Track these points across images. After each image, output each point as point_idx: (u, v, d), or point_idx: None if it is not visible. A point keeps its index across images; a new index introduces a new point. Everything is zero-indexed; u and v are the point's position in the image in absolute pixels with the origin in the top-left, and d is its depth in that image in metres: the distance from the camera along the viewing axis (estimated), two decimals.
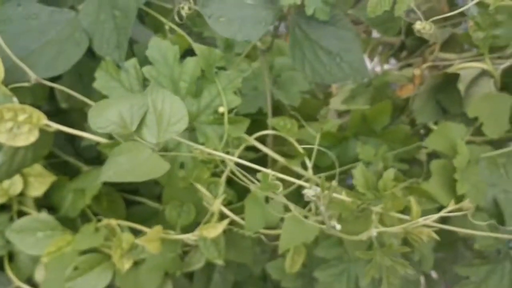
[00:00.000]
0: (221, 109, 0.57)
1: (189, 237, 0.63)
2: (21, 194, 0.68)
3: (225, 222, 0.60)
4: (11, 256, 0.69)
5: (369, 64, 0.99)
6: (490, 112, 0.61)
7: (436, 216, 0.44)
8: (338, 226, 0.45)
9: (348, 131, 0.69)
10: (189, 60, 0.57)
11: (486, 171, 0.62)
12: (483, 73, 0.67)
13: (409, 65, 0.93)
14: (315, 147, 0.66)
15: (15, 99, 0.53)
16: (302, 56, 0.59)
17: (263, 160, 0.72)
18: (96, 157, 0.75)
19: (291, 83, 0.77)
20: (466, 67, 0.65)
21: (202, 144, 0.57)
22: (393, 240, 0.53)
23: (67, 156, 0.73)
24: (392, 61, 1.02)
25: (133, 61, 0.56)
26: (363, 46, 0.93)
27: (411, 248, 0.46)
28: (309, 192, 0.40)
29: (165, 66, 0.57)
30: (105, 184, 0.69)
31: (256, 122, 0.76)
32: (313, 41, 0.60)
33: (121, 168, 0.44)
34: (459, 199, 0.56)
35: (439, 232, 0.55)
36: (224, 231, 0.67)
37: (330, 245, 0.63)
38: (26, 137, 0.53)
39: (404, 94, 0.80)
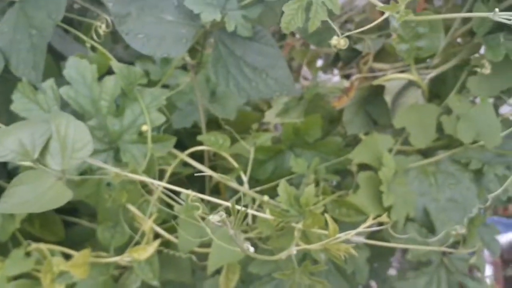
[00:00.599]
0: (145, 128, 0.56)
1: (120, 260, 0.61)
2: None
3: (156, 243, 0.58)
4: None
5: (308, 75, 0.99)
6: (416, 122, 0.61)
7: (354, 231, 0.44)
8: (252, 249, 0.43)
9: (283, 144, 0.69)
10: (108, 79, 0.55)
11: (416, 181, 0.62)
12: (411, 83, 0.67)
13: (347, 76, 0.94)
14: (250, 160, 0.66)
15: None
16: (226, 72, 0.58)
17: (202, 177, 0.71)
18: None
19: (227, 97, 0.76)
20: (392, 78, 0.65)
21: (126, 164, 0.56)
22: (320, 256, 0.52)
23: None
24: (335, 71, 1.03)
25: (50, 82, 0.54)
26: (301, 56, 0.93)
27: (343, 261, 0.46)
28: (215, 218, 0.38)
29: (84, 86, 0.55)
30: None
31: (194, 135, 0.75)
32: (238, 57, 0.59)
33: (21, 199, 0.41)
34: (387, 210, 0.56)
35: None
36: (160, 251, 0.66)
37: (263, 262, 0.62)
38: None
39: (341, 105, 0.80)
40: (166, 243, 0.67)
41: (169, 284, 0.72)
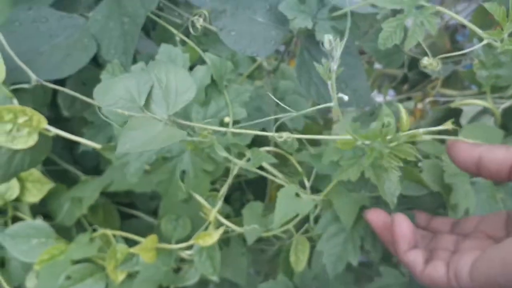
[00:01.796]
0: (227, 119, 0.56)
1: (184, 248, 0.62)
2: (17, 200, 0.65)
3: (221, 230, 0.58)
4: (3, 262, 0.66)
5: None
6: (482, 138, 0.60)
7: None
8: None
9: None
10: (199, 68, 0.56)
11: (486, 204, 0.60)
12: (484, 110, 0.66)
13: (409, 98, 0.93)
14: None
15: (15, 101, 0.52)
16: (309, 78, 0.58)
17: (262, 179, 0.71)
18: (95, 167, 0.73)
19: (294, 107, 0.76)
20: (468, 103, 0.64)
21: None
22: None
23: (66, 164, 0.71)
24: (391, 92, 1.02)
25: (141, 64, 0.55)
26: (367, 75, 0.92)
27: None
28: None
29: None
30: (102, 195, 0.68)
31: (257, 143, 0.75)
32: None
33: (136, 141, 0.41)
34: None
35: None
36: (221, 248, 0.65)
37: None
38: (25, 141, 0.51)
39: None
40: (226, 242, 0.67)
41: (224, 283, 0.72)
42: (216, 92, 0.56)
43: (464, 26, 1.09)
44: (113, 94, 0.43)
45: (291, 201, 0.55)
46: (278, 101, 0.71)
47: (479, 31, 0.47)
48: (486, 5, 0.44)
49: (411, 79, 0.85)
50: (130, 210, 0.76)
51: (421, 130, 0.47)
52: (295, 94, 0.76)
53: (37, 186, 0.65)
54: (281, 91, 0.79)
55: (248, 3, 0.56)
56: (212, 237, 0.57)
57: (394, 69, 0.88)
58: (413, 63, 0.84)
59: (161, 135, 0.42)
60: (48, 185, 0.65)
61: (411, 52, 0.83)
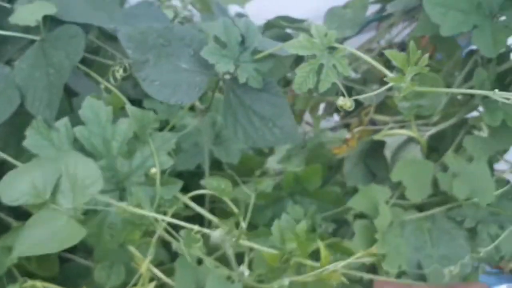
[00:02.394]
0: (153, 170, 0.56)
1: None
2: None
3: (152, 284, 0.57)
4: None
5: (310, 120, 1.01)
6: (413, 176, 0.62)
7: (344, 262, 0.45)
8: (247, 272, 0.44)
9: (283, 191, 0.69)
10: (122, 122, 0.56)
11: (412, 236, 0.62)
12: (410, 139, 0.69)
13: (347, 125, 0.96)
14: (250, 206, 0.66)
15: None
16: (235, 120, 0.59)
17: (200, 217, 0.71)
18: (28, 212, 0.71)
19: (231, 141, 0.77)
20: (392, 134, 0.67)
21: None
22: None
23: None
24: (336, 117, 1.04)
25: (65, 120, 0.55)
26: (305, 103, 0.94)
27: None
28: (215, 233, 0.40)
29: (98, 126, 0.55)
30: None
31: (196, 177, 0.75)
32: (247, 106, 0.60)
33: (35, 240, 0.41)
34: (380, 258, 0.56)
35: None
36: None
37: None
38: None
39: (341, 153, 0.81)
40: (163, 286, 0.67)
41: None
42: (140, 143, 0.56)
43: (403, 49, 1.13)
44: (17, 189, 0.43)
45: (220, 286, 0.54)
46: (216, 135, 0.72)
47: (387, 73, 0.49)
48: (386, 52, 0.46)
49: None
50: (68, 254, 0.74)
51: None
52: None
53: None
54: (219, 125, 0.80)
55: (171, 50, 0.57)
56: None
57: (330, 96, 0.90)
58: (348, 90, 0.86)
59: (61, 232, 0.41)
60: None
61: (344, 80, 0.85)
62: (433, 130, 0.69)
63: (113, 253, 0.62)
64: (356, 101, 0.89)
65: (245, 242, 0.55)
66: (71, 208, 0.44)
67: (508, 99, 0.44)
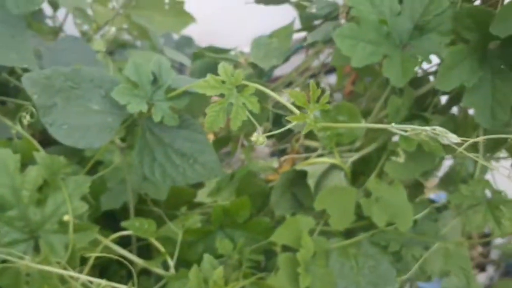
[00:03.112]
0: (66, 218, 0.54)
1: None
2: None
3: None
4: None
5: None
6: (336, 204, 0.63)
7: None
8: None
9: (212, 225, 0.68)
10: (30, 169, 0.53)
11: (337, 264, 0.62)
12: (334, 166, 0.69)
13: (282, 150, 0.96)
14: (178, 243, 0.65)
15: None
16: (152, 160, 0.58)
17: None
18: None
19: (162, 177, 0.75)
20: (314, 163, 0.67)
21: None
22: None
23: None
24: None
25: None
26: (240, 129, 0.94)
27: None
28: None
29: (6, 175, 0.53)
30: None
31: (126, 213, 0.73)
32: (166, 145, 0.59)
33: None
34: None
35: None
36: None
37: None
38: None
39: (275, 180, 0.81)
40: None
41: None
42: (51, 189, 0.54)
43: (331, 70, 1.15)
44: None
45: None
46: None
47: (296, 111, 0.50)
48: (288, 92, 0.46)
49: (277, 133, 0.87)
50: None
51: None
52: None
53: None
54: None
55: (81, 93, 0.55)
56: None
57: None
58: (278, 117, 0.87)
59: None
60: None
61: (273, 108, 0.86)
62: (356, 156, 0.70)
63: None
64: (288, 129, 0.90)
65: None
66: None
67: (405, 131, 0.44)
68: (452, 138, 0.41)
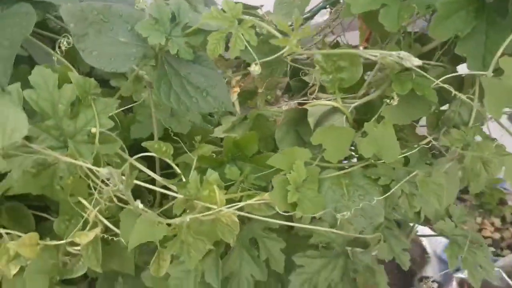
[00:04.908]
0: (93, 130, 0.62)
1: (70, 244, 0.67)
2: None
3: (97, 230, 0.63)
4: None
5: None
6: (332, 140, 0.67)
7: (238, 205, 0.51)
8: (141, 205, 0.50)
9: (225, 156, 0.75)
10: (66, 87, 0.62)
11: (330, 190, 0.67)
12: (336, 110, 0.74)
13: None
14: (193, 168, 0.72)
15: None
16: (168, 88, 0.65)
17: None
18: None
19: (183, 114, 0.83)
20: (317, 104, 0.72)
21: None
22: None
23: None
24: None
25: (16, 85, 0.61)
26: (261, 84, 0.99)
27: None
28: (103, 170, 0.45)
29: (46, 90, 0.62)
30: (12, 199, 0.73)
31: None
32: (181, 77, 0.66)
33: None
34: (294, 207, 0.62)
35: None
36: (108, 242, 0.71)
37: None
38: None
39: None
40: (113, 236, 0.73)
41: (116, 275, 0.78)
42: (83, 106, 0.62)
43: None
44: None
45: (148, 228, 0.60)
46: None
47: (278, 35, 0.55)
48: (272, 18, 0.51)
49: (293, 87, 0.92)
50: (41, 214, 0.81)
51: None
52: None
53: None
54: None
55: (111, 26, 0.63)
56: (88, 236, 0.63)
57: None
58: (295, 72, 0.92)
59: None
60: None
61: (292, 62, 0.91)
62: (358, 102, 0.74)
63: (71, 207, 0.69)
64: (303, 81, 0.95)
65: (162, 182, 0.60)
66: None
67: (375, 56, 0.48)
68: (414, 61, 0.45)
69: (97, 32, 0.62)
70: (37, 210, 0.81)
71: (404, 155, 0.67)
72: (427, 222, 0.76)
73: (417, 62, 0.45)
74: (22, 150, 0.55)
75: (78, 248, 0.68)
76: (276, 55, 0.61)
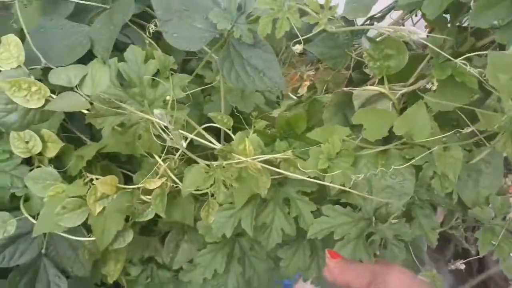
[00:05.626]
0: (168, 98, 0.76)
1: (144, 193, 0.81)
2: (40, 154, 0.89)
3: (163, 179, 0.77)
4: (27, 197, 0.90)
5: None
6: (373, 120, 0.73)
7: (264, 157, 0.61)
8: (184, 144, 0.62)
9: (277, 132, 0.85)
10: (150, 62, 0.77)
11: (365, 168, 0.74)
12: (383, 95, 0.80)
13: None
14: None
15: (31, 77, 0.75)
16: (231, 66, 0.76)
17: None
18: (96, 136, 0.95)
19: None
20: (365, 89, 0.78)
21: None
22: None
23: (78, 132, 0.94)
24: None
25: (114, 59, 0.77)
26: (327, 75, 1.07)
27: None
28: (156, 111, 0.58)
29: (135, 64, 0.77)
30: (105, 158, 0.90)
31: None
32: (243, 58, 0.77)
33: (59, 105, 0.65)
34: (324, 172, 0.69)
35: None
36: (174, 196, 0.85)
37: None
38: (36, 103, 0.74)
39: None
40: (178, 190, 0.86)
41: (182, 231, 0.91)
42: (163, 78, 0.76)
43: None
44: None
45: (199, 175, 0.72)
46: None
47: (312, 13, 0.63)
48: None
49: (355, 79, 0.99)
50: (127, 172, 0.97)
51: None
52: None
53: (54, 145, 0.88)
54: None
55: (190, 14, 0.77)
56: (155, 183, 0.76)
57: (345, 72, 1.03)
58: (357, 64, 0.98)
59: (76, 101, 0.64)
60: (61, 145, 0.88)
61: (356, 55, 0.98)
62: (404, 90, 0.79)
63: (148, 164, 0.83)
64: (365, 73, 1.01)
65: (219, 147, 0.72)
66: (89, 94, 0.65)
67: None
68: (421, 34, 0.51)
69: (179, 19, 0.76)
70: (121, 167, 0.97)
71: (439, 136, 0.71)
72: (463, 208, 0.78)
73: (423, 34, 0.50)
74: (113, 106, 0.70)
75: (149, 197, 0.82)
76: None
